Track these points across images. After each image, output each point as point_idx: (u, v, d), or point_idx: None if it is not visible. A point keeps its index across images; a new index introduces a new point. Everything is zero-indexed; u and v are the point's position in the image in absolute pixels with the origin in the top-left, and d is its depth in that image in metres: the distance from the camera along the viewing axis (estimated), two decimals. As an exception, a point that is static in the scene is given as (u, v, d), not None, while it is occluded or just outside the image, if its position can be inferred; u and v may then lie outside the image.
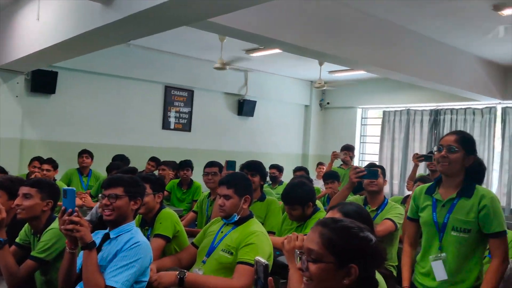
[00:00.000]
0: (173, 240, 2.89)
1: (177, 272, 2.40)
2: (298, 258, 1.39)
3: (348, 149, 6.31)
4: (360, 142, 9.58)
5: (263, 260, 1.47)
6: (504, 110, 7.40)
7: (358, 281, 1.33)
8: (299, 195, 3.09)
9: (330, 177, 5.27)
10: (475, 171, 2.38)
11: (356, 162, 8.75)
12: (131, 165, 5.51)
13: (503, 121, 7.39)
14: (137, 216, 2.69)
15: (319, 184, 6.53)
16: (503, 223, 2.28)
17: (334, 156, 6.13)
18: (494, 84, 7.11)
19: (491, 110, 7.56)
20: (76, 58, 5.31)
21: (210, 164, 4.05)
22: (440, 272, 2.34)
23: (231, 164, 3.84)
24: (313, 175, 7.83)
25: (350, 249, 1.34)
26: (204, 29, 4.21)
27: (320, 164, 7.86)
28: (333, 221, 1.42)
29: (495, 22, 4.86)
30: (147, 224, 2.94)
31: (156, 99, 7.65)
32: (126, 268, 2.16)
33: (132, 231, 2.33)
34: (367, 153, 9.58)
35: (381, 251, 1.41)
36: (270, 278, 1.44)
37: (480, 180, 2.48)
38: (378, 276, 1.78)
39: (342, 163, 6.26)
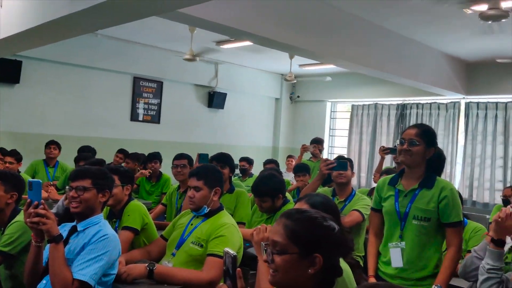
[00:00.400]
0: (141, 233, 2.87)
1: (147, 264, 2.38)
2: (264, 250, 1.41)
3: (318, 142, 6.37)
4: (329, 135, 9.70)
5: (231, 252, 1.48)
6: (467, 105, 7.63)
7: (323, 270, 1.35)
8: (269, 187, 3.12)
9: (301, 170, 5.32)
10: (436, 162, 2.47)
11: (325, 155, 8.86)
12: (98, 157, 5.43)
13: (466, 116, 7.62)
14: (104, 208, 2.65)
15: (289, 176, 6.59)
16: (460, 214, 2.39)
17: (304, 149, 6.18)
18: (458, 80, 7.32)
19: (455, 105, 7.78)
20: (42, 47, 5.16)
21: (179, 157, 4.01)
22: (396, 259, 2.42)
23: (203, 157, 3.80)
24: (283, 167, 7.89)
25: (313, 239, 1.36)
26: (174, 20, 4.16)
27: (289, 156, 7.92)
28: (296, 212, 1.44)
29: (462, 19, 5.00)
30: (115, 217, 2.90)
31: (124, 90, 7.52)
32: (94, 261, 2.14)
33: (100, 224, 2.31)
34: (336, 146, 9.72)
35: (345, 240, 1.45)
36: (238, 269, 1.44)
37: (439, 171, 2.56)
38: (345, 265, 1.82)
39: (311, 156, 6.33)
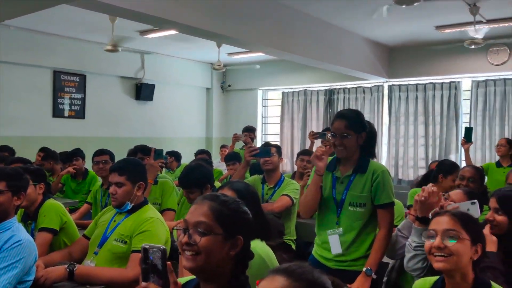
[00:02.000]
0: (60, 233, 2.73)
1: (66, 266, 2.26)
2: (183, 232, 1.36)
3: (249, 131, 6.40)
4: (262, 123, 9.77)
5: (157, 245, 1.40)
6: (390, 87, 7.96)
7: (239, 253, 1.38)
8: (195, 178, 3.04)
9: (231, 158, 5.33)
10: (368, 141, 2.48)
11: (258, 143, 8.92)
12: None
13: (389, 98, 7.95)
14: (18, 210, 2.49)
15: (223, 166, 6.55)
16: (392, 195, 2.44)
17: (235, 138, 6.18)
18: (381, 64, 7.61)
19: (379, 88, 8.09)
20: None
21: (100, 152, 3.87)
22: (336, 246, 2.46)
23: (158, 153, 3.58)
24: (217, 158, 7.86)
25: (236, 221, 1.39)
26: (89, 9, 3.96)
27: (223, 146, 7.89)
28: (216, 196, 1.44)
29: (379, 3, 5.15)
30: (30, 218, 2.73)
31: (43, 85, 7.09)
32: (7, 269, 2.03)
33: (13, 229, 2.18)
34: (269, 133, 9.81)
35: (266, 223, 1.49)
36: (169, 262, 1.37)
37: (371, 148, 2.57)
38: (266, 248, 1.84)
39: (244, 144, 6.33)
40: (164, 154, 6.59)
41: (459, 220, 1.68)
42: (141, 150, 3.63)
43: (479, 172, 3.33)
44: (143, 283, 1.36)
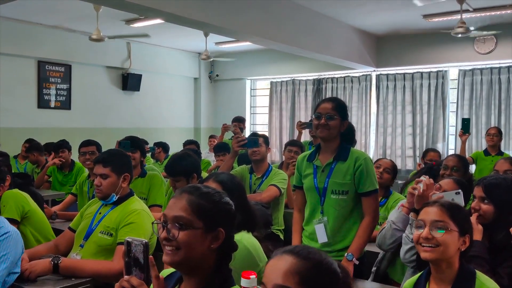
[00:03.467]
0: (25, 222, 2.68)
1: (51, 258, 2.23)
2: (162, 228, 1.34)
3: (239, 121, 6.38)
4: (251, 113, 9.74)
5: (140, 239, 1.37)
6: (378, 77, 7.98)
7: (221, 245, 1.36)
8: (182, 166, 2.99)
9: (221, 149, 5.30)
10: (347, 134, 2.53)
11: (247, 133, 8.89)
12: (3, 149, 5.04)
13: (377, 88, 7.97)
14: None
15: (212, 157, 6.53)
16: (375, 183, 2.45)
17: (225, 128, 6.15)
18: (369, 53, 7.61)
19: (366, 77, 8.10)
20: None
21: (86, 143, 3.81)
22: (321, 235, 2.46)
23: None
24: (206, 148, 7.83)
25: (216, 213, 1.36)
26: (72, -3, 3.89)
27: (211, 137, 7.85)
28: (195, 188, 1.41)
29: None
30: None
31: (28, 75, 6.97)
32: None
33: (-4, 221, 2.14)
34: (257, 123, 9.79)
35: (251, 215, 1.47)
36: (151, 256, 1.34)
37: (351, 141, 2.62)
38: (252, 239, 1.83)
39: (233, 134, 6.30)
40: (152, 145, 6.60)
41: (448, 211, 1.68)
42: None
43: (462, 161, 3.33)
44: (126, 276, 1.34)
